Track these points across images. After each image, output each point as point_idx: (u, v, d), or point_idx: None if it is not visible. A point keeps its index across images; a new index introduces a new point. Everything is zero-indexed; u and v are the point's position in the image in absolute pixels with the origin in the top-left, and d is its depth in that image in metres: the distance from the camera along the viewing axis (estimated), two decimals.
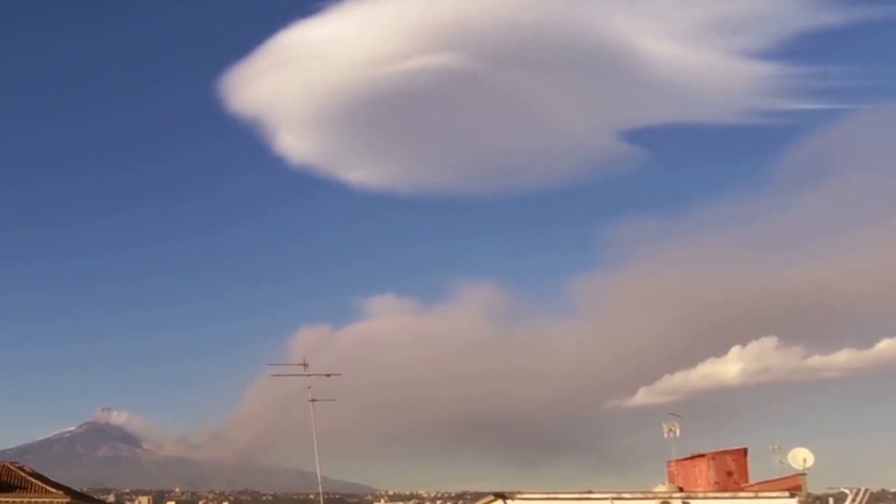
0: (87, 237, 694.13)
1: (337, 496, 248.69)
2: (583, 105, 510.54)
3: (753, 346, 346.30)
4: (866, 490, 35.77)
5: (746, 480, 37.73)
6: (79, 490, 74.18)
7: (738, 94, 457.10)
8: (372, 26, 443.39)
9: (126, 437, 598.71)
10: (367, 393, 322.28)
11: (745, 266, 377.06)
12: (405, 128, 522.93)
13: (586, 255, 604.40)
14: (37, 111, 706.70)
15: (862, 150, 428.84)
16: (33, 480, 58.29)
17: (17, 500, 55.87)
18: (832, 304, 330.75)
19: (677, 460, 39.76)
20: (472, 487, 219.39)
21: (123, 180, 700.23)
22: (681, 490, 36.29)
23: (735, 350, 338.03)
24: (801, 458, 34.66)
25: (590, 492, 34.09)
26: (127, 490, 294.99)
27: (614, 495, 33.21)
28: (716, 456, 38.37)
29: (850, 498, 35.47)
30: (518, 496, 32.70)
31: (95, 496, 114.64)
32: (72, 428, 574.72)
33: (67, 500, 57.90)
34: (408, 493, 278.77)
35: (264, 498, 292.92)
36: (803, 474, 34.68)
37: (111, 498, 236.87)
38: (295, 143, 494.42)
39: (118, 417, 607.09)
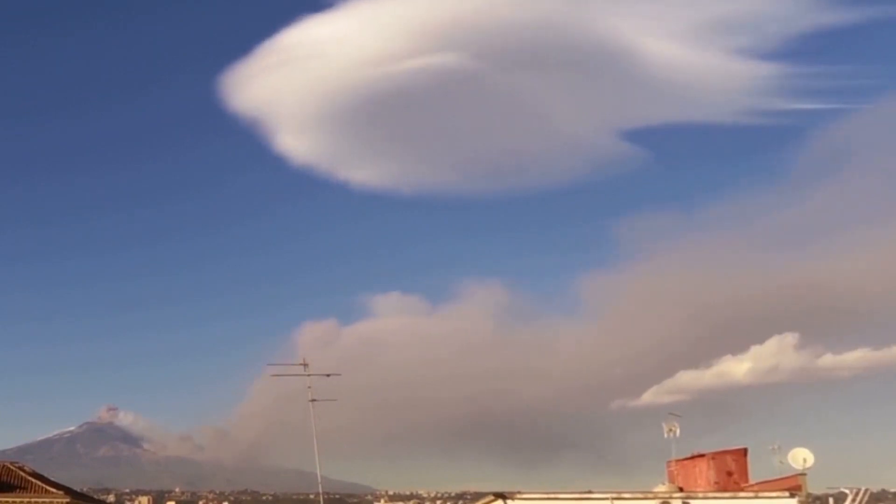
0: (87, 237, 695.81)
1: (337, 496, 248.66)
2: (584, 105, 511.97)
3: (768, 345, 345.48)
4: (866, 490, 35.75)
5: (746, 480, 37.71)
6: (79, 490, 74.13)
7: (739, 94, 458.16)
8: (372, 26, 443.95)
9: (126, 437, 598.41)
10: (368, 393, 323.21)
11: (748, 265, 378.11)
12: (406, 128, 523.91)
13: (590, 253, 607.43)
14: (37, 111, 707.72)
15: (868, 148, 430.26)
16: (33, 480, 58.26)
17: (17, 500, 55.84)
18: (841, 302, 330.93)
19: (677, 460, 39.75)
20: (472, 487, 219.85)
21: (124, 180, 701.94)
22: (681, 490, 36.27)
23: (751, 349, 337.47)
24: (801, 458, 34.65)
25: (590, 492, 34.08)
26: (127, 490, 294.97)
27: (614, 495, 33.20)
28: (716, 456, 38.35)
29: (850, 498, 35.45)
30: (518, 496, 32.68)
31: (95, 496, 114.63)
32: (72, 428, 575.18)
33: (67, 500, 57.86)
34: (408, 493, 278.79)
35: (264, 498, 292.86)
36: (803, 474, 34.66)
37: (111, 498, 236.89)
38: (295, 143, 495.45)
39: (124, 418, 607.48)
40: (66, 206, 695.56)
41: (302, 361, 34.51)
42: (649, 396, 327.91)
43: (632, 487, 35.74)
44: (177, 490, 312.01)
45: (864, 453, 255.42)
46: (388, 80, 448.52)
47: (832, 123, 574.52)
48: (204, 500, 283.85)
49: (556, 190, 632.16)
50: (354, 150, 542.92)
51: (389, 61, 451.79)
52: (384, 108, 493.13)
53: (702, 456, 38.79)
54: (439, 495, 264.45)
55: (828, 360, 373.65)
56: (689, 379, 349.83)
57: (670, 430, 38.68)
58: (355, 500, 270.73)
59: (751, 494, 34.67)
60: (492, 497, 33.84)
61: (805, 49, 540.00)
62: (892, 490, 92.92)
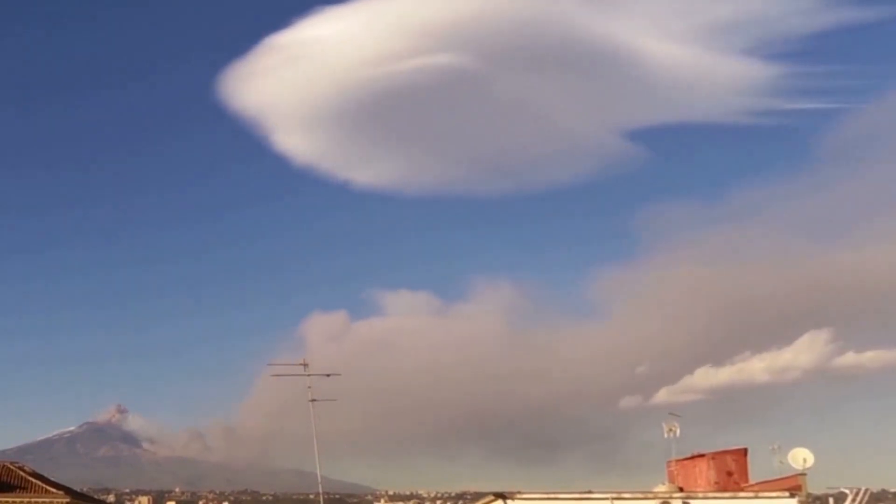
0: (88, 237, 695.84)
1: (337, 496, 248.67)
2: (586, 105, 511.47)
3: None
4: (866, 490, 35.71)
5: (746, 480, 37.69)
6: (79, 490, 74.10)
7: (740, 94, 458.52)
8: (373, 26, 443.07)
9: (126, 437, 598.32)
10: (369, 392, 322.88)
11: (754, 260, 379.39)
12: (407, 128, 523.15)
13: (602, 249, 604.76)
14: (37, 107, 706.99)
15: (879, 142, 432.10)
16: (33, 480, 58.21)
17: (17, 500, 55.80)
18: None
19: (677, 460, 39.73)
20: (472, 487, 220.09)
21: (124, 170, 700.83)
22: (681, 490, 36.26)
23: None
24: (801, 458, 34.62)
25: (590, 492, 34.06)
26: (127, 490, 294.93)
27: (614, 495, 33.18)
28: (716, 456, 38.32)
29: (850, 498, 35.42)
30: (518, 496, 32.65)
31: (95, 496, 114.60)
32: (72, 428, 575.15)
33: (67, 500, 57.81)
34: (408, 493, 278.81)
35: (264, 498, 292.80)
36: (803, 474, 34.64)
37: (111, 498, 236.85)
38: (295, 143, 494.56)
39: (133, 422, 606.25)
40: (68, 203, 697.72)
41: (302, 361, 34.55)
42: (663, 395, 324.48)
43: (632, 487, 35.78)
44: (177, 490, 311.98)
45: (864, 453, 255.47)
46: (389, 79, 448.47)
47: (835, 122, 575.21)
48: (204, 500, 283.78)
49: (563, 188, 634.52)
50: (355, 149, 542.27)
51: (391, 61, 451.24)
52: (385, 108, 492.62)
53: (702, 456, 38.76)
54: (439, 495, 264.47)
55: (850, 357, 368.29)
56: (700, 379, 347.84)
57: (670, 430, 38.65)
58: (355, 500, 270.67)
59: (751, 494, 34.65)
60: (492, 497, 33.81)
61: (804, 49, 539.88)
62: (893, 490, 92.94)
